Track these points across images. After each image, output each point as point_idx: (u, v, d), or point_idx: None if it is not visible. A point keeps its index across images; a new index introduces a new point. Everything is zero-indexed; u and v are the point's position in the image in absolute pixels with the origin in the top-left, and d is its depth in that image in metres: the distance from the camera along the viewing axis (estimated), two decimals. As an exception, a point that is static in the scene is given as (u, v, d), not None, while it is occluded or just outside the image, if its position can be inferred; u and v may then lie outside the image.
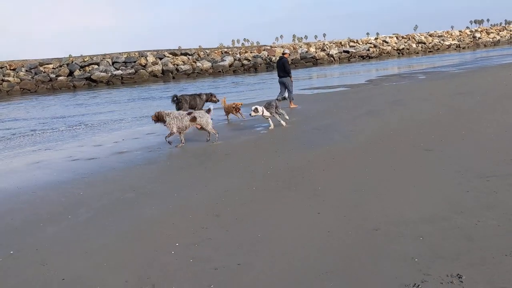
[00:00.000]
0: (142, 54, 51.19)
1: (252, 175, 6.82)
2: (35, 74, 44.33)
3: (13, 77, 43.11)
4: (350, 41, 71.47)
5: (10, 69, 44.75)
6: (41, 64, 46.39)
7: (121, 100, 26.24)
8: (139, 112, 18.58)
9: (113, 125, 15.15)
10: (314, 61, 57.16)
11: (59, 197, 6.53)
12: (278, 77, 15.64)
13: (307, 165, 7.08)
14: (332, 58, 60.10)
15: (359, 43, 69.32)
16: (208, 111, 9.93)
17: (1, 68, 44.63)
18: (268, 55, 56.12)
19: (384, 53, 65.52)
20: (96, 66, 46.61)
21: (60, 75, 44.42)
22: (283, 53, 15.93)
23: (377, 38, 74.03)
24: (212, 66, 50.59)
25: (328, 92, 20.27)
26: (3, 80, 42.17)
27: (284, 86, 15.43)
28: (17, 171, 8.75)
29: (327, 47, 64.53)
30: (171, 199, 5.96)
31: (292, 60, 55.08)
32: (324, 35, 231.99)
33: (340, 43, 69.31)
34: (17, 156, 10.42)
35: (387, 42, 70.06)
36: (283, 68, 15.34)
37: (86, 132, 13.81)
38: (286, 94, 14.19)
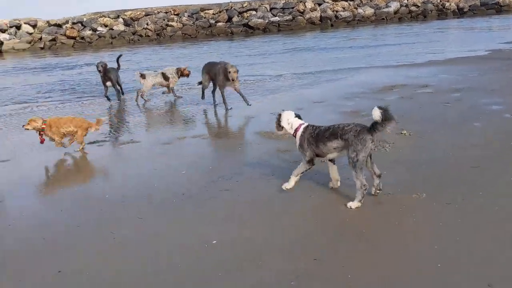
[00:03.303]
0: (300, -1, 48.32)
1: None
2: (196, 19, 44.92)
3: (176, 22, 44.30)
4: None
5: (174, 14, 46.05)
6: (202, 10, 46.82)
7: (280, 49, 24.13)
8: (301, 66, 16.16)
9: (269, 84, 13.08)
10: (497, 8, 47.20)
11: None
12: None
13: None
14: (525, 4, 49.39)
15: None
16: None
17: (166, 13, 46.16)
18: (441, 1, 48.51)
19: None
20: (254, 12, 45.42)
21: (219, 21, 44.35)
22: None
23: None
24: (374, 12, 45.54)
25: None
26: (167, 25, 43.61)
27: None
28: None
29: (518, -10, 53.26)
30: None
31: (469, 6, 46.89)
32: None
33: (540, -17, 56.50)
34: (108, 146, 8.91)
35: None
36: None
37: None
38: None
